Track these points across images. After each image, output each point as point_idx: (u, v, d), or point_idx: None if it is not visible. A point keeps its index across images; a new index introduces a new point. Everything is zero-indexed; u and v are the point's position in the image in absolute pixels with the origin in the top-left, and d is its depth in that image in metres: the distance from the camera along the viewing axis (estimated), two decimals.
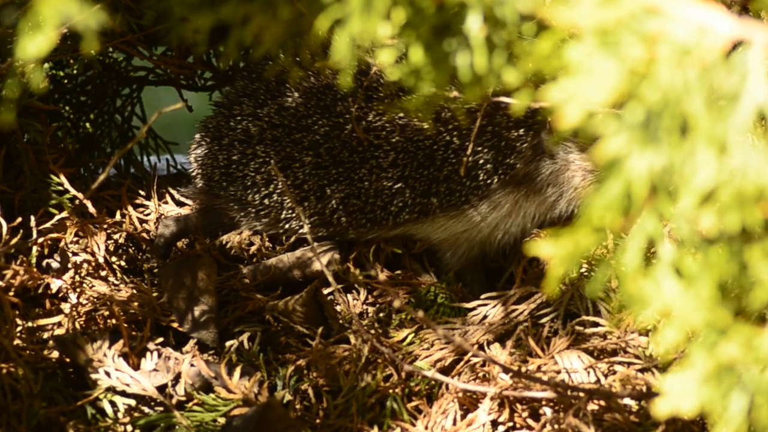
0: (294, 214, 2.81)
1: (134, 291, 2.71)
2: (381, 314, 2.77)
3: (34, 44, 1.66)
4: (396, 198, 2.77)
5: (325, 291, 2.77)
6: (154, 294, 2.70)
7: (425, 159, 2.75)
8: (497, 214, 2.79)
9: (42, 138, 2.89)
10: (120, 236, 2.89)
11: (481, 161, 2.73)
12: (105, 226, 2.87)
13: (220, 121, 2.88)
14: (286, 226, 2.85)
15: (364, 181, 2.77)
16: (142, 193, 3.01)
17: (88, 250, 2.78)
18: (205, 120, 2.93)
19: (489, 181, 2.74)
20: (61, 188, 2.87)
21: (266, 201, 2.82)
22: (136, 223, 2.93)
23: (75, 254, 2.79)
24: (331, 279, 2.62)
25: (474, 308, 2.77)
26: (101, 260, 2.78)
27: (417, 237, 2.87)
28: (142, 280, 2.79)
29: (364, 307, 2.79)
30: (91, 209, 2.83)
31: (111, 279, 2.76)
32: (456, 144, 2.73)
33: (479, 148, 2.73)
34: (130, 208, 2.94)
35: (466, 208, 2.78)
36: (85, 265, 2.76)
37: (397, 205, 2.77)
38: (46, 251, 2.81)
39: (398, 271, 2.89)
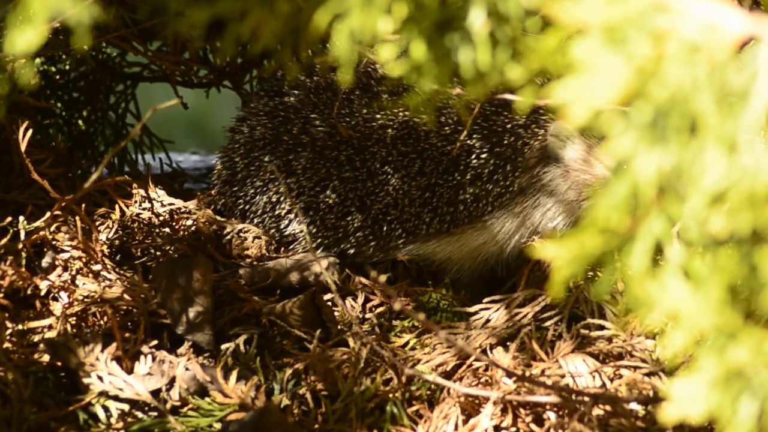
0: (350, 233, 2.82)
1: (127, 286, 2.68)
2: (381, 319, 2.75)
3: (24, 39, 1.64)
4: (426, 207, 2.76)
5: (325, 297, 2.74)
6: (148, 292, 2.67)
7: (450, 164, 2.74)
8: (514, 222, 2.78)
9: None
10: (111, 232, 2.87)
11: (501, 164, 2.72)
12: (96, 222, 2.85)
13: (243, 157, 2.88)
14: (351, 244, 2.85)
15: (398, 190, 2.76)
16: (134, 191, 2.98)
17: (79, 247, 2.75)
18: (226, 154, 2.93)
19: (511, 188, 2.74)
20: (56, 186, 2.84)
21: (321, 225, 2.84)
22: (128, 219, 2.90)
23: (65, 251, 2.76)
24: (330, 281, 2.60)
25: (476, 312, 2.74)
26: (93, 257, 2.75)
27: (437, 255, 2.86)
28: (135, 274, 2.76)
29: (364, 313, 2.77)
30: (81, 208, 2.79)
31: (103, 273, 2.73)
32: (477, 148, 2.72)
33: (497, 149, 2.71)
34: (121, 204, 2.91)
35: (491, 216, 2.77)
36: (76, 263, 2.73)
37: (428, 214, 2.77)
38: (35, 251, 2.78)
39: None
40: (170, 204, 2.95)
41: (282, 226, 2.86)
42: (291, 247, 2.88)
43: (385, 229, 2.79)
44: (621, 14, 1.59)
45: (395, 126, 2.75)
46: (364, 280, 2.82)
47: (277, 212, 2.86)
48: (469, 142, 2.72)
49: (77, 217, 2.76)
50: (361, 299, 2.78)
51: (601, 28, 1.59)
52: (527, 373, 2.52)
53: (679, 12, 1.58)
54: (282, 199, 2.84)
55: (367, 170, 2.77)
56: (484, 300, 2.75)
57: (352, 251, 2.83)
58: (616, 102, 1.58)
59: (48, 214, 2.76)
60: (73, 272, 2.72)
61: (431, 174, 2.75)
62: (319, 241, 2.83)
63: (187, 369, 2.53)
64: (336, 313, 2.72)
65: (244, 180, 2.88)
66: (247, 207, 2.90)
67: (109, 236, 2.86)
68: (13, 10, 1.67)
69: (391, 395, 2.52)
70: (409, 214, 2.78)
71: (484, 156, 2.71)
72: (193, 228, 2.88)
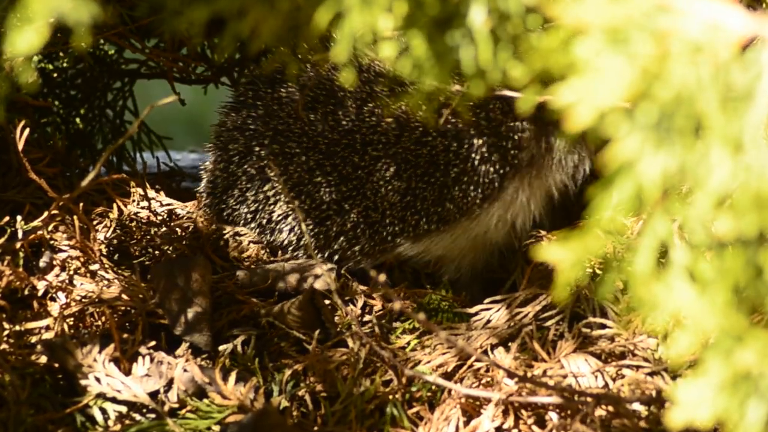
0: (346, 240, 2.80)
1: (125, 286, 2.67)
2: (382, 321, 2.73)
3: (24, 39, 1.62)
4: (409, 210, 2.74)
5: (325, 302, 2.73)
6: (146, 292, 2.66)
7: (428, 166, 2.72)
8: (510, 206, 2.76)
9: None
10: (108, 231, 2.85)
11: (486, 154, 2.69)
12: (94, 221, 2.83)
13: (222, 171, 2.87)
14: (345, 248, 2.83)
15: (376, 193, 2.74)
16: (133, 189, 2.97)
17: (77, 246, 2.73)
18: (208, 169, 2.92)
19: (501, 172, 2.71)
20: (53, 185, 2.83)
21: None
22: (126, 218, 2.88)
23: (62, 251, 2.74)
24: (331, 283, 2.59)
25: (477, 313, 2.73)
26: (90, 257, 2.73)
27: (431, 253, 2.84)
28: (133, 274, 2.74)
29: (363, 316, 2.75)
30: (79, 207, 2.78)
31: (101, 273, 2.72)
32: (455, 146, 2.69)
33: (480, 140, 2.69)
34: (119, 203, 2.90)
35: (485, 207, 2.74)
36: (74, 263, 2.72)
37: (413, 216, 2.75)
38: (33, 250, 2.76)
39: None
40: (168, 204, 2.94)
41: (267, 235, 2.85)
42: (281, 255, 2.86)
43: (368, 232, 2.77)
44: (623, 14, 1.58)
45: (363, 131, 2.72)
46: (362, 287, 2.80)
47: (258, 221, 2.85)
48: (445, 141, 2.70)
49: (75, 217, 2.74)
50: (360, 303, 2.76)
51: (604, 28, 1.58)
52: (529, 374, 2.50)
53: (681, 12, 1.57)
54: (262, 207, 2.83)
55: (338, 175, 2.75)
56: (486, 300, 2.73)
57: (336, 257, 2.81)
58: (620, 102, 1.57)
59: (45, 213, 2.74)
60: (71, 272, 2.71)
61: (410, 178, 2.72)
62: (301, 248, 2.82)
63: (185, 370, 2.52)
64: (336, 318, 2.70)
65: (225, 191, 2.86)
66: (231, 220, 2.88)
67: (107, 235, 2.84)
68: (12, 8, 1.66)
69: (391, 396, 2.50)
70: (392, 217, 2.75)
71: (464, 149, 2.69)
72: (191, 228, 2.86)
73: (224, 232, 2.87)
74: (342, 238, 2.78)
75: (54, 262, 2.72)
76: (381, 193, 2.73)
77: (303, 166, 2.77)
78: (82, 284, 2.68)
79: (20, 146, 2.65)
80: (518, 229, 2.80)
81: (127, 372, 2.52)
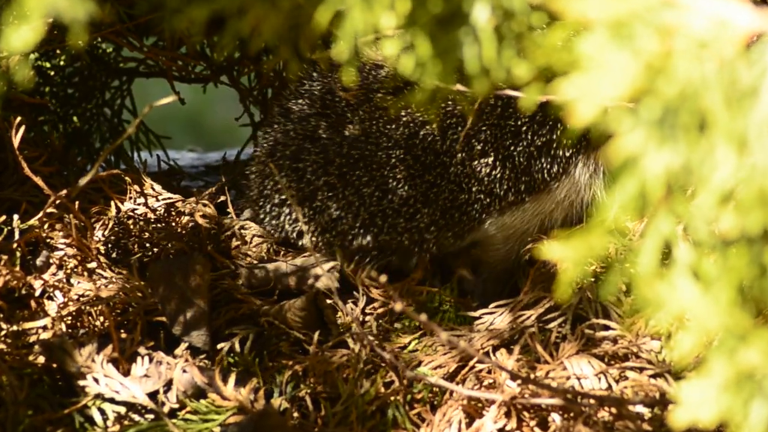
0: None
1: (124, 285, 2.66)
2: (382, 321, 2.72)
3: (20, 37, 1.60)
4: (497, 182, 2.75)
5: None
6: (145, 290, 2.65)
7: (512, 136, 2.73)
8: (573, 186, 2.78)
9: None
10: (106, 230, 2.84)
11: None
12: (92, 220, 2.83)
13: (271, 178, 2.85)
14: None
15: (460, 175, 2.75)
16: (130, 187, 2.95)
17: (74, 245, 2.72)
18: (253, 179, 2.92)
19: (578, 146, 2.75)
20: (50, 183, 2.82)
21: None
22: (123, 216, 2.87)
23: (59, 249, 2.73)
24: (332, 283, 2.58)
25: (480, 317, 2.72)
26: (88, 255, 2.72)
27: (510, 227, 2.83)
28: (131, 272, 2.73)
29: (365, 317, 2.74)
30: (76, 205, 2.77)
31: (99, 272, 2.71)
32: (540, 116, 2.72)
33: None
34: (117, 201, 2.89)
35: (565, 177, 2.77)
36: (71, 261, 2.71)
37: (501, 188, 2.75)
38: (29, 249, 2.75)
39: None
40: (167, 199, 2.92)
41: (346, 243, 2.83)
42: (364, 261, 2.84)
43: (457, 215, 2.78)
44: (627, 9, 1.57)
45: (440, 118, 2.74)
46: (366, 279, 2.79)
47: (339, 228, 2.83)
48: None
49: (71, 215, 2.73)
50: (361, 303, 2.75)
51: (608, 24, 1.56)
52: (531, 376, 2.49)
53: (686, 7, 1.56)
54: (345, 215, 2.81)
55: (421, 165, 2.75)
56: (490, 305, 2.73)
57: (428, 245, 2.80)
58: (624, 99, 1.56)
59: (42, 212, 2.73)
60: (68, 271, 2.70)
61: (497, 151, 2.73)
62: (394, 246, 2.80)
63: (184, 371, 2.51)
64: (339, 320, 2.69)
65: (302, 202, 2.84)
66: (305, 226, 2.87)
67: (105, 233, 2.83)
68: (7, 6, 1.65)
69: (392, 398, 2.49)
70: (479, 193, 2.76)
71: (550, 119, 2.70)
72: (191, 225, 2.85)
73: (225, 228, 2.86)
74: (433, 228, 2.78)
75: (51, 261, 2.71)
76: (467, 171, 2.74)
77: (385, 165, 2.77)
78: (79, 283, 2.67)
79: (16, 144, 2.64)
80: (585, 205, 2.81)
81: (126, 372, 2.51)
